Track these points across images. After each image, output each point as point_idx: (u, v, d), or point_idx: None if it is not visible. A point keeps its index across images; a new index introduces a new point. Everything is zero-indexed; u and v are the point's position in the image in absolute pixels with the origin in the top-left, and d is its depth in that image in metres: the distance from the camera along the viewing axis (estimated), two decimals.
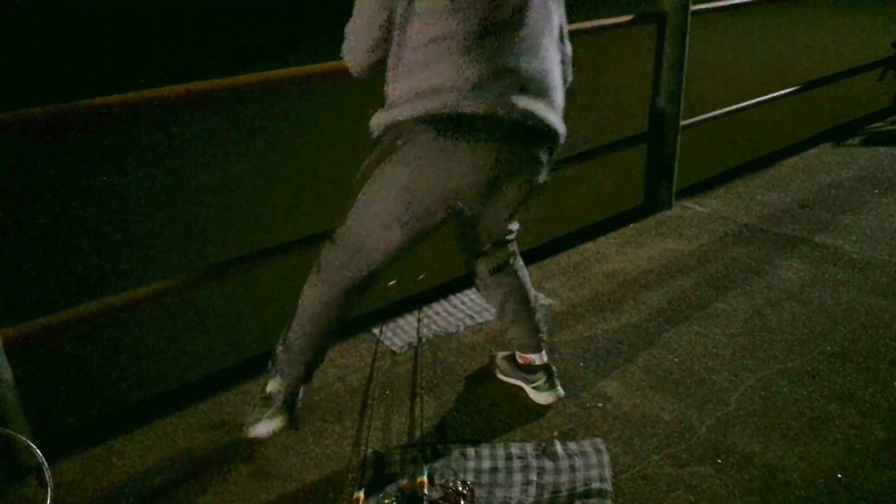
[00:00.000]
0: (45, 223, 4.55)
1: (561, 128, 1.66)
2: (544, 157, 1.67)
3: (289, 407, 1.87)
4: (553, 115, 1.63)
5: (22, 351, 1.87)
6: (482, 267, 1.95)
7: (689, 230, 3.18)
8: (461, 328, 2.47)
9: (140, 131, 6.15)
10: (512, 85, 1.53)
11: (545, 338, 2.06)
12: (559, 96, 1.66)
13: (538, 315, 2.03)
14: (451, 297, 2.66)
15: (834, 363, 2.20)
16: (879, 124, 4.68)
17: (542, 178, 1.72)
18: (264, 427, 1.87)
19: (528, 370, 2.06)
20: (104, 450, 1.98)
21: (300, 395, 1.91)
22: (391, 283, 2.37)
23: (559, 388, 2.05)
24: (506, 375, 2.14)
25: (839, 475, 1.77)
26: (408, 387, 2.17)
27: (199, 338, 3.08)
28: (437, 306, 2.61)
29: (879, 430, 1.92)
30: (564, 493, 1.74)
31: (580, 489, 1.74)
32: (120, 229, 4.40)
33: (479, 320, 2.50)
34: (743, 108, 3.85)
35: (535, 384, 2.05)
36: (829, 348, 2.28)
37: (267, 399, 1.88)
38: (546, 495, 1.73)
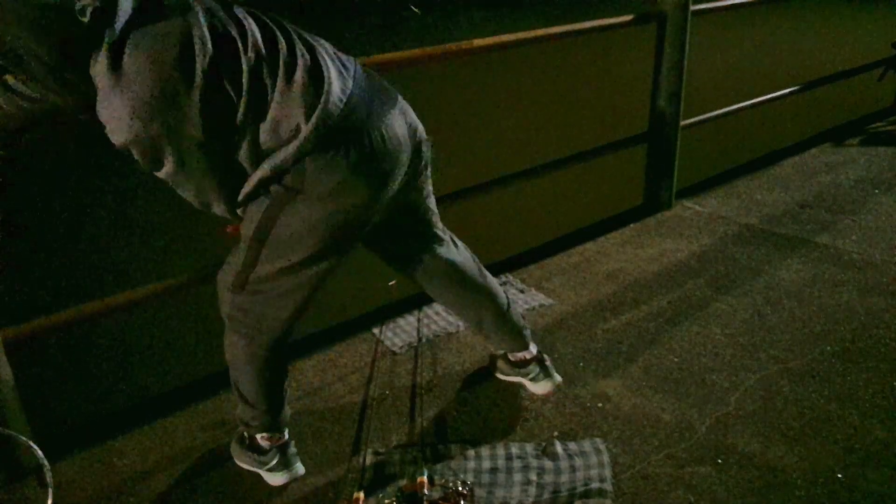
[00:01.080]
0: (45, 223, 4.54)
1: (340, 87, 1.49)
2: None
3: (288, 457, 1.82)
4: (338, 86, 1.49)
5: (22, 351, 1.87)
6: (428, 278, 1.90)
7: (689, 230, 3.18)
8: (461, 328, 2.47)
9: None
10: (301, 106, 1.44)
11: (528, 332, 2.07)
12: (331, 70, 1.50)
13: (515, 316, 2.02)
14: None
15: (834, 363, 2.20)
16: (879, 124, 4.68)
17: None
18: (278, 479, 1.81)
19: (522, 364, 2.08)
20: (104, 450, 1.98)
21: (288, 440, 1.84)
22: (391, 283, 2.37)
23: (555, 375, 2.07)
24: (505, 374, 2.15)
25: (839, 475, 1.77)
26: (408, 387, 2.17)
27: (199, 338, 3.07)
28: (437, 306, 2.60)
29: (879, 430, 1.92)
30: (564, 493, 1.74)
31: (580, 489, 1.74)
32: (120, 229, 4.40)
33: None
34: (743, 108, 3.84)
35: (530, 376, 2.06)
36: (829, 348, 2.28)
37: (256, 446, 1.81)
38: (546, 495, 1.73)
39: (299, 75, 1.45)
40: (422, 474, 1.76)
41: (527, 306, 2.58)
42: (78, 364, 2.96)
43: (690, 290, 2.66)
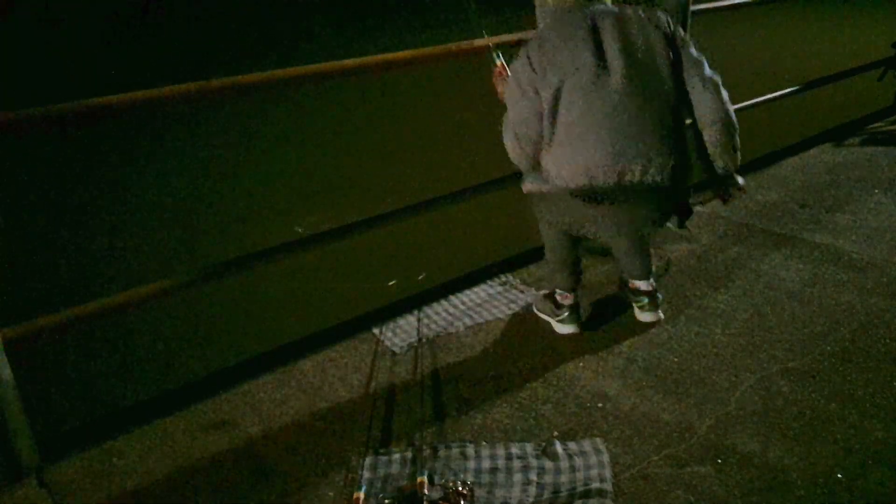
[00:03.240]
0: (45, 223, 4.55)
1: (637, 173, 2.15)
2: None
3: (578, 314, 2.39)
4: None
5: (22, 351, 1.87)
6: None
7: (688, 230, 3.17)
8: (461, 328, 2.47)
9: (140, 131, 6.16)
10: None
11: (649, 272, 2.43)
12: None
13: (652, 262, 2.46)
14: (451, 297, 2.66)
15: (834, 363, 2.20)
16: (879, 124, 4.68)
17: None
18: (566, 329, 2.38)
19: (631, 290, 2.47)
20: (104, 450, 1.98)
21: (578, 301, 2.40)
22: (391, 283, 2.37)
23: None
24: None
25: (839, 475, 1.77)
26: (408, 387, 2.18)
27: (199, 338, 3.07)
28: (437, 306, 2.61)
29: (879, 430, 1.92)
30: (564, 493, 1.74)
31: (580, 489, 1.74)
32: (119, 229, 4.40)
33: (479, 320, 2.51)
34: (743, 108, 3.84)
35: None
36: (829, 348, 2.28)
37: (554, 301, 2.39)
38: (546, 495, 1.74)
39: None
40: (422, 474, 1.76)
41: (527, 306, 2.58)
42: (78, 364, 2.96)
43: (690, 290, 2.66)
